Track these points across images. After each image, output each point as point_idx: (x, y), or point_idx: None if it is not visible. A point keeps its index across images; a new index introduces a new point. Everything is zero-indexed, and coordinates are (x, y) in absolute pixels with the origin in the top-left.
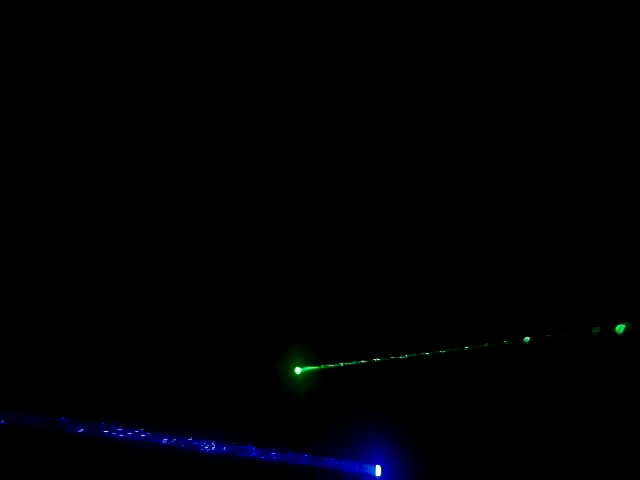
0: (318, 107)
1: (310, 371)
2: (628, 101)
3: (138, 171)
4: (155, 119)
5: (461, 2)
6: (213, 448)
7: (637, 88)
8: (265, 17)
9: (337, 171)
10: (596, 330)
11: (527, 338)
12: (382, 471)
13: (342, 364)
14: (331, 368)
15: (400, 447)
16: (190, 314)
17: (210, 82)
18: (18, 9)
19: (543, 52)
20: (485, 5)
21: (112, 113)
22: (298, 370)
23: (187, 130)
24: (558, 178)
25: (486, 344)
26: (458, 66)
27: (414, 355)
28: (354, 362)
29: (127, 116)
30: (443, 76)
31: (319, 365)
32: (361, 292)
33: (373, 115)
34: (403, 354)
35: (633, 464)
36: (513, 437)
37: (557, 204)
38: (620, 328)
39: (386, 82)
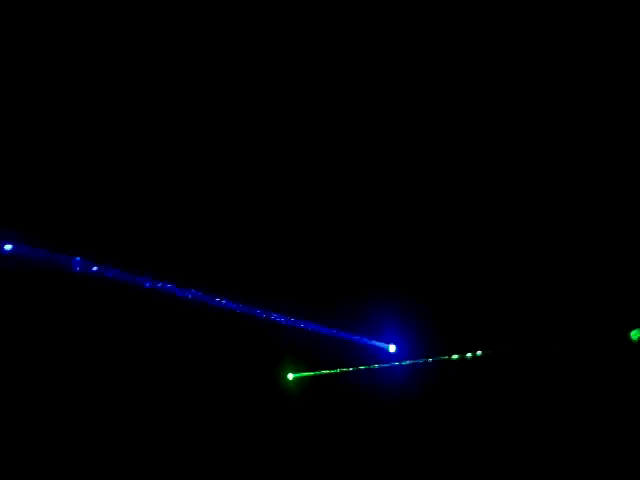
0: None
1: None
2: (628, 102)
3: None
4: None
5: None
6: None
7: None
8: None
9: (337, 180)
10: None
11: None
12: (396, 348)
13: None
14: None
15: (413, 331)
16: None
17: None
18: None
19: (543, 52)
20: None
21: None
22: (290, 376)
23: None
24: (559, 191)
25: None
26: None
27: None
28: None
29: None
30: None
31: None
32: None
33: (378, 114)
34: None
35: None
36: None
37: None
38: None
39: (389, 81)
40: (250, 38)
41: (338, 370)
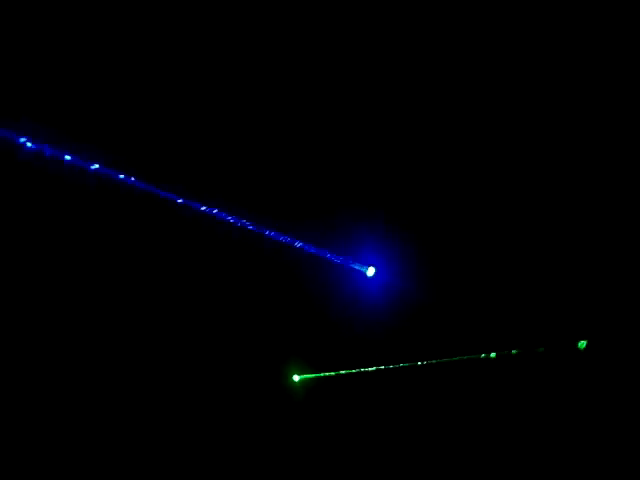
0: None
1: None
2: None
3: None
4: None
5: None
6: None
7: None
8: None
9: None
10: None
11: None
12: (375, 273)
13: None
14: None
15: (396, 255)
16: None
17: None
18: None
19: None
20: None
21: None
22: (296, 377)
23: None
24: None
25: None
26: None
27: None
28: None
29: None
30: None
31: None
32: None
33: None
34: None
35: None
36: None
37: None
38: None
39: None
40: None
41: (348, 371)
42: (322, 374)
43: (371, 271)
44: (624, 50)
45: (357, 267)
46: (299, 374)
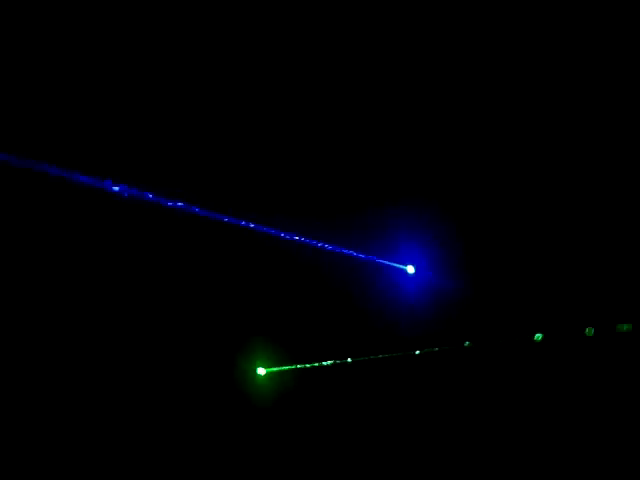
0: None
1: (273, 372)
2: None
3: None
4: None
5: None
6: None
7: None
8: None
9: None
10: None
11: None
12: (415, 270)
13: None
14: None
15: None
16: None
17: None
18: None
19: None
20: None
21: None
22: (262, 371)
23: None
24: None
25: None
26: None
27: None
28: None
29: None
30: None
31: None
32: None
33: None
34: None
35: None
36: None
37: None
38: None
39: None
40: None
41: (324, 363)
42: (296, 366)
43: (411, 269)
44: (624, 50)
45: (395, 265)
46: (265, 367)
